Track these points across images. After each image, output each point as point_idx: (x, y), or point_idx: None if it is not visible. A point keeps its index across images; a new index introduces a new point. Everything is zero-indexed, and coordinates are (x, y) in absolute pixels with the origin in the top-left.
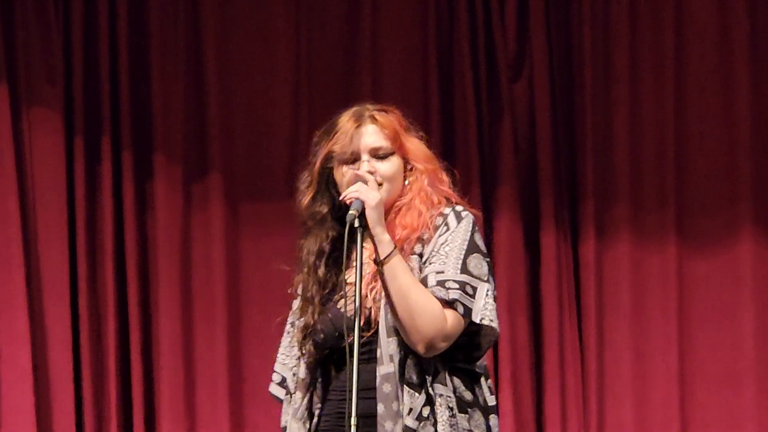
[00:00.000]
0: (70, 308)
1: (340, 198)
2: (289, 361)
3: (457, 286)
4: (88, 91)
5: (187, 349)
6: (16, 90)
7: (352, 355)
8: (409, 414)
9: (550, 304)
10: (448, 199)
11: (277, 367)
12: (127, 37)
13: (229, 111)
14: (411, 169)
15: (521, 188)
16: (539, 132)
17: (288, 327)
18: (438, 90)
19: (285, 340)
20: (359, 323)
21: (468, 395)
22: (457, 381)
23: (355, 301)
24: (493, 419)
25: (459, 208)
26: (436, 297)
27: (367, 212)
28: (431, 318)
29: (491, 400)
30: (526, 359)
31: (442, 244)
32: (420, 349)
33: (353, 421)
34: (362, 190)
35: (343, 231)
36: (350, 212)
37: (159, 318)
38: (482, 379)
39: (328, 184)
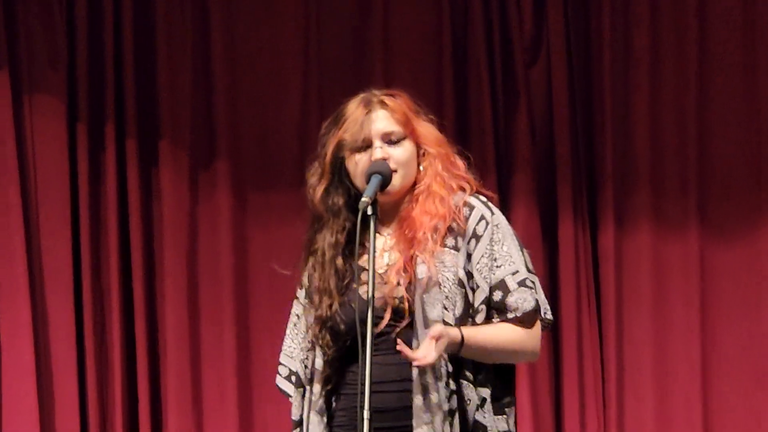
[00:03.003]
0: (74, 300)
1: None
2: (297, 354)
3: (532, 284)
4: (91, 77)
5: (194, 341)
6: (17, 75)
7: (364, 345)
8: (479, 409)
9: (568, 295)
10: (466, 183)
11: (283, 359)
12: (132, 21)
13: (236, 97)
14: (423, 154)
15: (538, 176)
16: (557, 117)
17: (293, 318)
18: (452, 75)
19: (291, 331)
20: (372, 311)
21: (502, 393)
22: (496, 379)
23: (368, 290)
24: (513, 413)
25: (483, 198)
26: (523, 311)
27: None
28: (530, 347)
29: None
30: (544, 352)
31: (494, 242)
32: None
33: (366, 414)
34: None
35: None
36: (362, 200)
37: (165, 309)
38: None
39: (341, 175)
